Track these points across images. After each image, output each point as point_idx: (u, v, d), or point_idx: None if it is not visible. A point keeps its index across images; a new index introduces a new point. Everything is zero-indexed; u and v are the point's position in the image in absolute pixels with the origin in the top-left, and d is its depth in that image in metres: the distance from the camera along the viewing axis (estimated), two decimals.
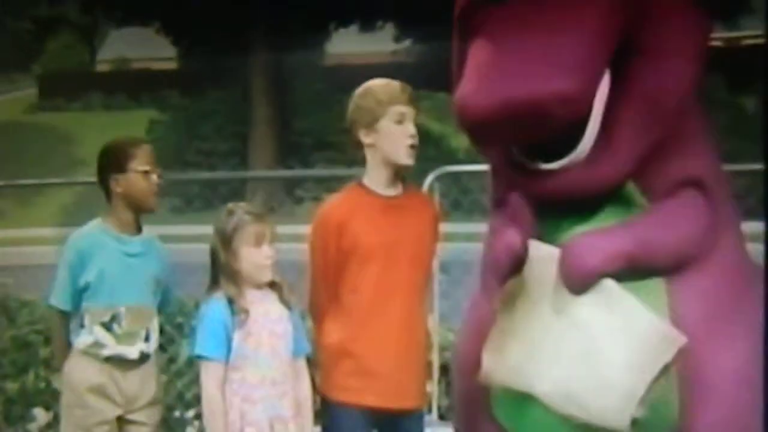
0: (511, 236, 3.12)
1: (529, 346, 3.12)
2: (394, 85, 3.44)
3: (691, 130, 3.18)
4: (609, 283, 3.04)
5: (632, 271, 3.05)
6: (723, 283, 3.17)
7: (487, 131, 3.01)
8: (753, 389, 3.08)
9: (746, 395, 3.10)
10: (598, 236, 3.06)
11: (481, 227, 3.41)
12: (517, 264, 3.12)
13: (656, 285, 3.08)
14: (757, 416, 3.08)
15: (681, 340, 3.02)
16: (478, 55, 3.04)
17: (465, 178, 6.31)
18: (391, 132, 3.37)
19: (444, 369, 5.15)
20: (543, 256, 3.09)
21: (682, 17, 3.09)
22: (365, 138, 3.40)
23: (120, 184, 3.61)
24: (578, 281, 3.04)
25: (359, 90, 3.47)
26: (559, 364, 3.06)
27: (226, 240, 3.30)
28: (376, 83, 3.47)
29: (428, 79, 23.00)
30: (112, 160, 3.63)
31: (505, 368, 3.16)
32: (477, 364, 3.22)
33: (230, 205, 3.39)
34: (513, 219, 3.15)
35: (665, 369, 3.06)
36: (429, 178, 5.07)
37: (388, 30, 23.04)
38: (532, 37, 2.94)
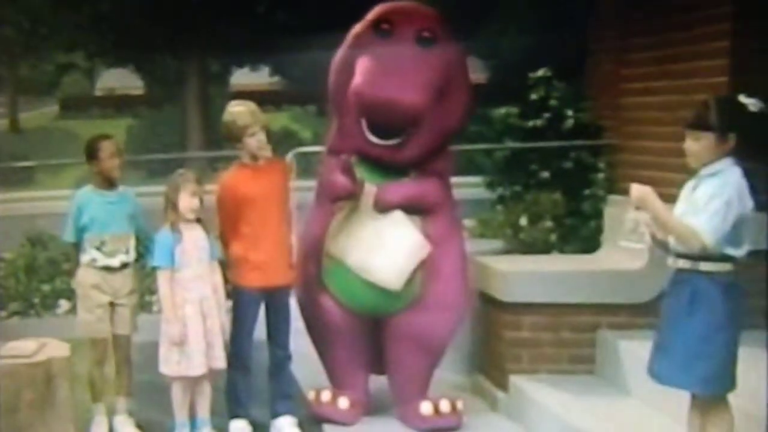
0: (347, 181, 3.18)
1: (353, 237, 3.19)
2: (246, 111, 3.26)
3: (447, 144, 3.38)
4: (398, 213, 3.19)
5: (408, 207, 3.21)
6: (449, 220, 3.34)
7: (368, 109, 3.09)
8: (462, 276, 3.32)
9: (458, 280, 3.31)
10: (396, 185, 3.21)
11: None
12: (348, 197, 3.20)
13: (414, 219, 3.25)
14: (465, 293, 3.32)
15: (428, 247, 3.19)
16: (368, 64, 3.09)
17: (310, 155, 6.30)
18: (250, 143, 3.24)
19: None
20: (368, 191, 3.18)
21: (466, 89, 3.29)
22: (237, 146, 3.27)
23: (96, 165, 3.36)
24: (383, 207, 3.18)
25: (227, 114, 3.27)
26: (366, 248, 3.15)
27: (174, 189, 3.15)
28: (235, 111, 3.27)
29: (290, 99, 22.65)
30: (89, 152, 3.37)
31: (338, 248, 3.23)
32: (313, 255, 3.30)
33: (179, 170, 3.23)
34: (344, 171, 3.18)
35: (420, 263, 3.17)
36: (289, 155, 5.00)
37: (266, 70, 22.48)
38: (402, 63, 3.08)
